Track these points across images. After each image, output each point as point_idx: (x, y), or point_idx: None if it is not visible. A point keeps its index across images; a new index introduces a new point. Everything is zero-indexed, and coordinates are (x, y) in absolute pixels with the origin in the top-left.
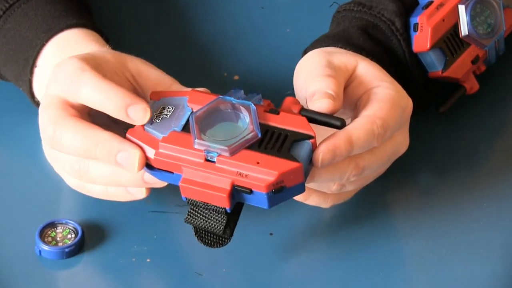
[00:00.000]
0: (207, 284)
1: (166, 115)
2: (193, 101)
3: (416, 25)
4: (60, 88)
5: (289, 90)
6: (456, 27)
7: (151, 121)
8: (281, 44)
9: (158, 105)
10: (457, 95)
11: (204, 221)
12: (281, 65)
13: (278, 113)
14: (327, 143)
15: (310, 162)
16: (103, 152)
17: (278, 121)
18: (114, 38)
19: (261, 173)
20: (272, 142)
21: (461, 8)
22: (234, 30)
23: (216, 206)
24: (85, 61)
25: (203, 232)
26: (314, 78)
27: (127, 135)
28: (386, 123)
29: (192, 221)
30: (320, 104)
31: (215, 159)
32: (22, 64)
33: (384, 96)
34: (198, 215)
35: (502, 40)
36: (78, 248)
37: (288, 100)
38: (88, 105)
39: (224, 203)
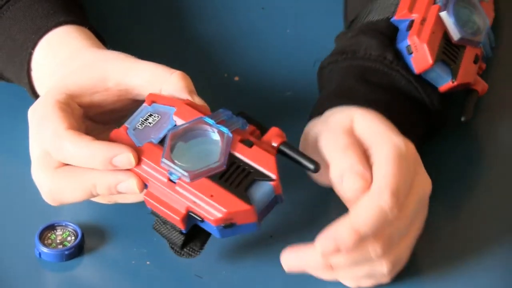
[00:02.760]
0: (207, 286)
1: (150, 123)
2: (179, 114)
3: (408, 47)
4: (44, 149)
5: (289, 91)
6: (446, 35)
7: (134, 127)
8: (282, 45)
9: (147, 111)
10: (474, 99)
11: (168, 232)
12: (281, 65)
13: (251, 146)
14: (328, 236)
15: (270, 203)
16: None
17: (247, 155)
18: (114, 38)
19: (212, 207)
20: (233, 176)
21: (444, 15)
22: (235, 31)
23: (174, 224)
24: (63, 114)
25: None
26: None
27: (111, 136)
28: (395, 189)
29: (159, 228)
30: (353, 185)
31: (176, 181)
32: (18, 68)
33: (383, 158)
34: (164, 225)
35: (491, 32)
36: (78, 251)
37: (273, 130)
38: (77, 165)
39: (179, 225)
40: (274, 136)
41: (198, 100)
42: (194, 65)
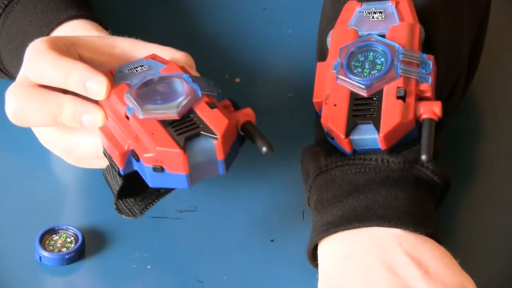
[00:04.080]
0: None
1: (137, 70)
2: (166, 70)
3: (328, 133)
4: (26, 71)
5: (291, 93)
6: (353, 93)
7: (121, 69)
8: (283, 46)
9: (141, 62)
10: (429, 130)
11: (110, 179)
12: (282, 66)
13: (212, 108)
14: None
15: (208, 163)
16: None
17: (205, 113)
18: (110, 32)
19: (148, 144)
20: (182, 126)
21: (341, 79)
22: (236, 32)
23: (115, 164)
24: (48, 42)
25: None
26: None
27: None
28: None
29: (106, 174)
30: None
31: (129, 117)
32: None
33: None
34: (110, 170)
35: (410, 53)
36: (78, 255)
37: (246, 110)
38: (52, 85)
39: (118, 162)
40: (243, 114)
41: (195, 74)
42: (195, 67)
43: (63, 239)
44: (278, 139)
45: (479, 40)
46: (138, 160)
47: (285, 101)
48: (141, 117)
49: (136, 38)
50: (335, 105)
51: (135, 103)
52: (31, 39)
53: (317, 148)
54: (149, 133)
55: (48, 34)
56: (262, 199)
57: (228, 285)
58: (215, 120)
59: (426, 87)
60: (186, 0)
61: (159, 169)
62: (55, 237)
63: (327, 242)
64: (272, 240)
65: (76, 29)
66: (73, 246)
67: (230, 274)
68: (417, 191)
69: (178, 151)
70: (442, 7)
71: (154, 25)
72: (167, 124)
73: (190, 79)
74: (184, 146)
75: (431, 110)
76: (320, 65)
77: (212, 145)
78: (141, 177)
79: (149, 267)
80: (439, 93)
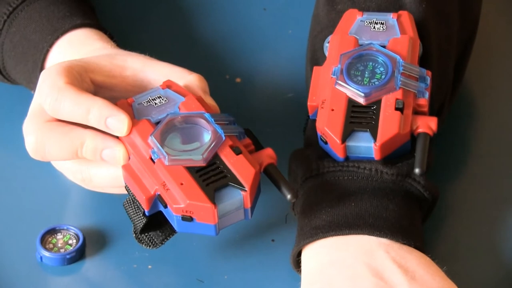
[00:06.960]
0: None
1: (156, 103)
2: (185, 104)
3: (322, 138)
4: (42, 104)
5: (291, 93)
6: (352, 101)
7: (139, 102)
8: (283, 46)
9: (158, 93)
10: (424, 145)
11: (133, 212)
12: (283, 67)
13: (238, 154)
14: None
15: (236, 213)
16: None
17: (231, 160)
18: (115, 40)
19: (178, 194)
20: (210, 174)
21: (340, 85)
22: (236, 32)
23: (140, 204)
24: (64, 75)
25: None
26: None
27: (116, 103)
28: None
29: (127, 207)
30: None
31: (155, 161)
32: (31, 67)
33: None
34: (132, 204)
35: (410, 66)
36: (79, 255)
37: (267, 150)
38: (72, 121)
39: (144, 204)
40: (265, 156)
41: (210, 100)
42: (196, 67)
43: (64, 239)
44: (278, 139)
45: (463, 59)
46: (165, 206)
47: (285, 101)
48: (167, 163)
49: (136, 38)
50: (332, 109)
51: (161, 150)
52: (36, 47)
53: (307, 152)
54: (177, 182)
55: (52, 43)
56: (263, 199)
57: (228, 284)
58: (241, 169)
59: (423, 102)
60: (186, 0)
61: (188, 219)
62: (56, 237)
63: (311, 248)
64: (272, 240)
65: (81, 38)
66: (74, 246)
67: (231, 274)
68: (406, 205)
69: (208, 205)
70: (435, 25)
71: (155, 25)
72: (193, 171)
73: (212, 119)
74: (214, 197)
75: (427, 125)
76: (316, 69)
77: (241, 196)
78: (162, 212)
79: (149, 266)
80: (430, 109)
